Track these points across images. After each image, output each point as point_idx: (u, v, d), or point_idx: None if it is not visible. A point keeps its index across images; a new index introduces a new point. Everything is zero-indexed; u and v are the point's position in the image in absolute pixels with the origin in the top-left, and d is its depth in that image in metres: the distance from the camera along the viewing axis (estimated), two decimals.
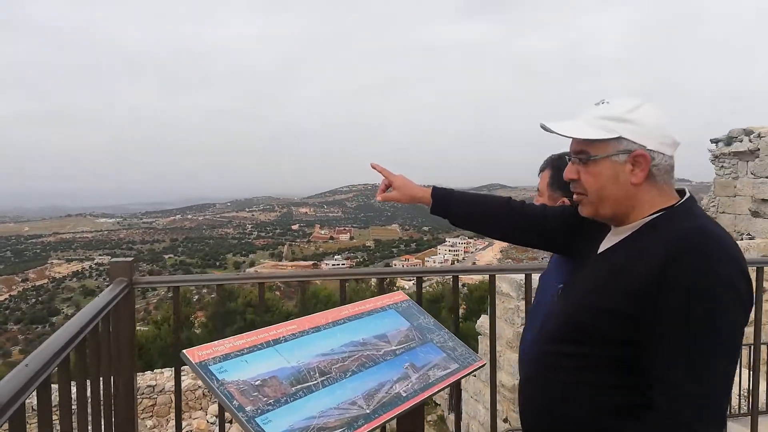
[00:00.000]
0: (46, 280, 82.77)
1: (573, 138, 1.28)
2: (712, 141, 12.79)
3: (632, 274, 1.15)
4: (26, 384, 1.11)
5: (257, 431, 1.26)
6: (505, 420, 7.01)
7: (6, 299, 74.29)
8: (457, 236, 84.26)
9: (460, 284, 2.57)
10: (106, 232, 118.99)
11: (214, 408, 10.44)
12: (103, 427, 1.62)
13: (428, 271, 2.67)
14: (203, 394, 10.46)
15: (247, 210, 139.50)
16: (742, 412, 5.20)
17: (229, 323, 15.73)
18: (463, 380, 1.66)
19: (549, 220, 1.55)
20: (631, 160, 1.21)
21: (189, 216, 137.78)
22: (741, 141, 11.76)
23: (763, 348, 5.82)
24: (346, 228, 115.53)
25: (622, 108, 1.23)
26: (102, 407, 1.66)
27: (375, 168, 1.79)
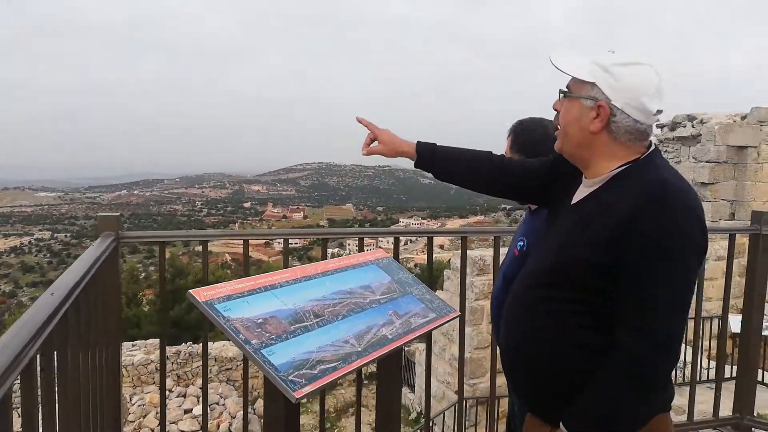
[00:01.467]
0: None
1: (561, 71, 1.32)
2: (657, 126, 13.25)
3: (601, 225, 1.23)
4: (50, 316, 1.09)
5: (264, 361, 1.41)
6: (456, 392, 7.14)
7: None
8: (411, 217, 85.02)
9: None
10: (46, 207, 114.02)
11: (168, 382, 10.24)
12: (91, 397, 1.53)
13: (407, 231, 2.87)
14: (155, 368, 10.23)
15: (197, 186, 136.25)
16: (683, 382, 5.49)
17: (178, 301, 15.40)
18: (417, 354, 1.76)
19: (527, 174, 1.63)
20: (595, 108, 1.27)
21: (135, 191, 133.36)
22: (684, 126, 12.22)
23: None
24: (300, 206, 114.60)
25: (615, 60, 1.26)
26: (90, 376, 1.55)
27: (361, 122, 1.80)
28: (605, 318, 1.23)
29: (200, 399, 9.74)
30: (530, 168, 1.63)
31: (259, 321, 1.53)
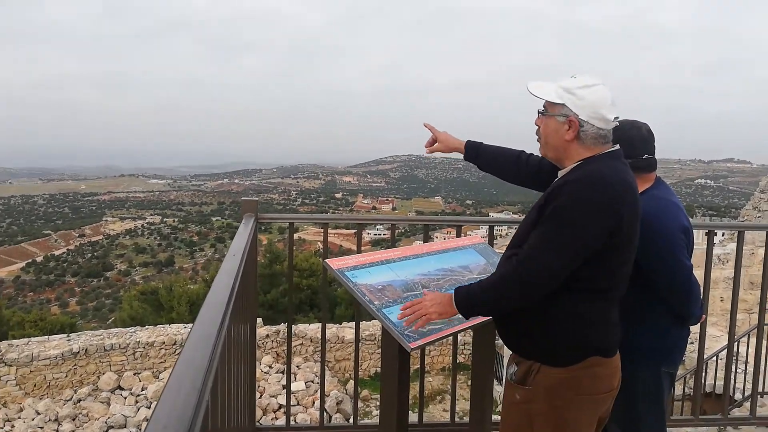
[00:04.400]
0: (101, 237, 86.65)
1: (536, 96, 1.72)
2: None
3: (545, 197, 1.64)
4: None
5: (385, 318, 1.73)
6: None
7: (64, 253, 78.34)
8: (501, 211, 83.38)
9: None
10: (157, 193, 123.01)
11: (267, 359, 10.97)
12: (242, 366, 1.81)
13: (501, 221, 3.14)
14: (258, 345, 11.01)
15: (292, 177, 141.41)
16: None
17: (275, 285, 16.31)
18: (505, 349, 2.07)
19: (541, 168, 2.01)
20: (567, 122, 1.65)
21: (236, 180, 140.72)
22: None
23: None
24: (389, 198, 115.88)
25: (576, 84, 1.64)
26: (242, 345, 1.81)
27: (426, 126, 2.22)
28: None
29: (297, 376, 10.39)
30: (544, 164, 1.98)
31: (379, 287, 1.87)
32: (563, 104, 1.64)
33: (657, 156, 2.11)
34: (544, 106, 1.72)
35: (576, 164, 1.67)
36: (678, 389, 5.59)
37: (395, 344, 1.70)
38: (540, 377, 1.63)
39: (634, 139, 2.06)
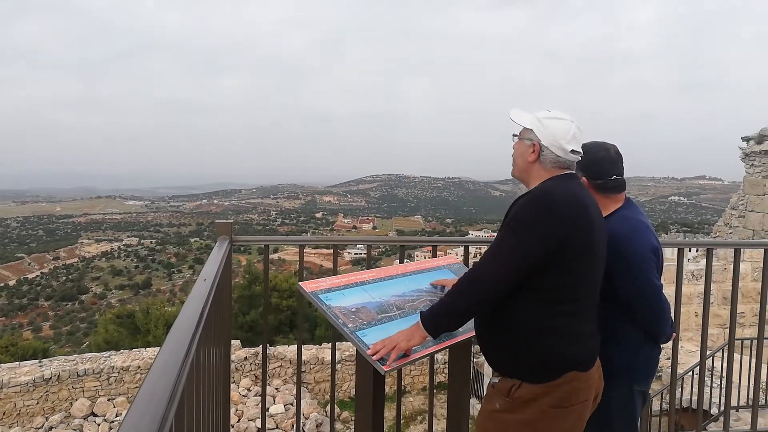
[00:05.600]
0: (76, 259, 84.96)
1: (514, 122, 1.90)
2: (743, 139, 12.66)
3: (506, 214, 1.79)
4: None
5: (358, 341, 1.74)
6: None
7: (38, 276, 76.52)
8: (481, 229, 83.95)
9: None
10: (134, 215, 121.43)
11: (245, 381, 10.78)
12: (215, 389, 1.75)
13: (477, 241, 3.10)
14: (236, 368, 10.81)
15: (272, 197, 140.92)
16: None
17: (255, 305, 16.11)
18: (486, 366, 2.05)
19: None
20: (531, 146, 1.83)
21: (215, 201, 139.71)
22: None
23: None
24: (369, 218, 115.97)
25: (546, 115, 1.84)
26: (214, 369, 1.76)
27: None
28: None
29: (276, 398, 10.23)
30: None
31: (353, 309, 1.87)
32: (531, 130, 1.83)
33: (631, 174, 2.17)
34: (520, 132, 1.90)
35: (538, 184, 1.82)
36: (655, 405, 5.63)
37: (369, 367, 1.69)
38: (521, 391, 1.72)
39: (602, 161, 2.11)
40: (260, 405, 10.26)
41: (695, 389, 5.74)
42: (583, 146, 2.19)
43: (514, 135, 1.93)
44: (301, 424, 9.98)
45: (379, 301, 1.97)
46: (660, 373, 7.25)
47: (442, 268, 2.40)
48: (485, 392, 1.91)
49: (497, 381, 1.80)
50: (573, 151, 1.80)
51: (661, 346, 2.19)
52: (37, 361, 11.08)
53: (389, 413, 8.99)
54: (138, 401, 0.85)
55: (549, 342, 1.70)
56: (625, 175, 2.16)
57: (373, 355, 1.71)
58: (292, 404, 10.10)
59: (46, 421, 9.71)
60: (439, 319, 1.77)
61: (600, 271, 1.81)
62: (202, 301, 1.38)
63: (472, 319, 1.92)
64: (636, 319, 2.03)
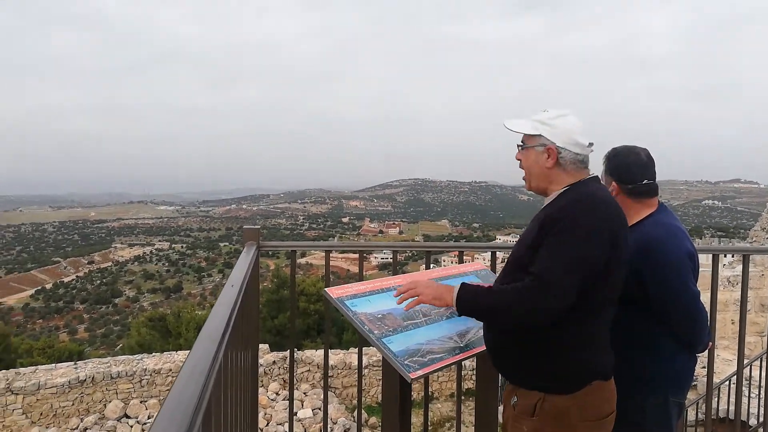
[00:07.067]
0: (110, 263, 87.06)
1: (513, 131, 1.80)
2: None
3: (539, 221, 1.67)
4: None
5: (384, 347, 1.71)
6: None
7: (73, 280, 78.61)
8: (508, 234, 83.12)
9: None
10: (165, 219, 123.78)
11: (274, 386, 10.86)
12: (242, 393, 1.77)
13: (504, 246, 3.01)
14: (264, 372, 10.91)
15: (299, 202, 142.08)
16: None
17: (283, 310, 16.23)
18: None
19: None
20: (545, 151, 1.71)
21: (244, 206, 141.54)
22: None
23: None
24: (396, 222, 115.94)
25: (549, 116, 1.73)
26: (242, 374, 1.79)
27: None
28: None
29: (304, 403, 10.28)
30: None
31: (379, 316, 1.85)
32: (540, 135, 1.72)
33: (663, 178, 2.12)
34: (522, 141, 1.79)
35: (563, 190, 1.72)
36: (691, 415, 5.47)
37: (396, 374, 1.67)
38: (547, 406, 1.62)
39: (633, 165, 2.06)
40: (288, 409, 10.33)
41: (732, 399, 5.57)
42: (614, 150, 2.16)
43: (519, 145, 1.80)
44: (329, 429, 10.01)
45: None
46: (695, 383, 7.05)
47: (468, 274, 2.37)
48: (503, 413, 1.84)
49: (515, 401, 1.70)
50: (591, 144, 1.71)
51: (696, 355, 2.12)
52: (72, 363, 11.37)
53: (417, 419, 8.94)
54: (166, 406, 0.86)
55: (571, 350, 1.62)
56: (656, 179, 2.11)
57: (401, 355, 1.70)
58: (320, 409, 10.12)
59: (81, 422, 9.94)
60: (477, 307, 1.67)
61: (622, 278, 1.71)
62: (230, 307, 1.39)
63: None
64: (670, 328, 1.96)
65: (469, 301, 1.67)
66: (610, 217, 1.62)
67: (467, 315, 1.72)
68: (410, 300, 1.78)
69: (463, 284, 1.72)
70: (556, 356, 1.62)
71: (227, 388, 1.32)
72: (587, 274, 1.55)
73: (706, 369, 2.80)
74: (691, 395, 6.79)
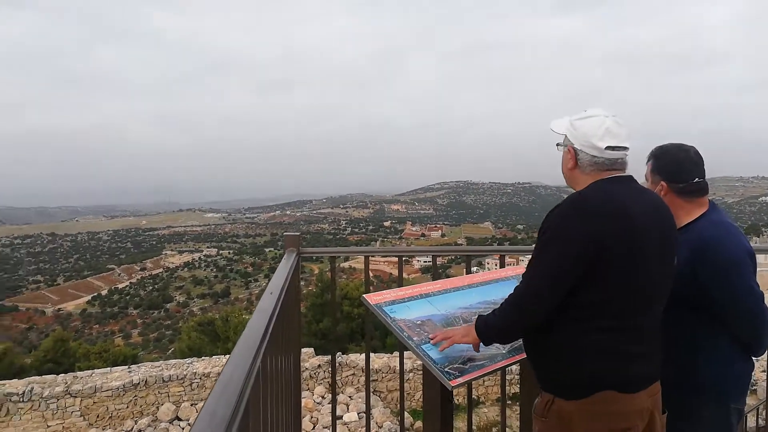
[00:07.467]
0: (161, 270, 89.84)
1: (553, 131, 1.81)
2: None
3: (541, 228, 1.65)
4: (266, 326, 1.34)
5: (424, 354, 1.69)
6: None
7: (127, 286, 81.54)
8: None
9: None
10: (213, 226, 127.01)
11: (320, 389, 10.96)
12: (284, 396, 1.78)
13: (509, 249, 2.92)
14: (310, 376, 11.02)
15: (341, 207, 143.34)
16: None
17: (327, 313, 16.37)
18: None
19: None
20: (568, 152, 1.74)
21: (288, 212, 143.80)
22: None
23: None
24: (438, 225, 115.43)
25: (577, 117, 1.73)
26: (283, 378, 1.80)
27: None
28: None
29: (349, 407, 10.33)
30: None
31: (418, 322, 1.83)
32: (564, 135, 1.75)
33: (717, 174, 2.04)
34: (562, 140, 1.81)
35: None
36: (750, 421, 5.22)
37: (436, 381, 1.65)
38: (555, 409, 1.63)
39: (682, 163, 1.99)
40: (335, 413, 10.41)
41: None
42: (662, 148, 2.08)
43: (558, 144, 1.81)
44: None
45: (445, 314, 1.92)
46: (755, 387, 6.73)
47: (510, 278, 2.32)
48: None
49: (537, 401, 1.71)
50: (610, 148, 1.64)
51: (756, 359, 2.02)
52: (126, 366, 11.78)
53: (462, 423, 8.85)
54: (203, 414, 0.87)
55: (583, 359, 1.57)
56: (709, 176, 2.02)
57: (441, 362, 1.68)
58: (365, 412, 10.14)
59: (135, 424, 10.27)
60: (490, 333, 1.71)
61: (658, 282, 1.62)
62: (268, 314, 1.40)
63: None
64: (729, 331, 1.87)
65: (483, 330, 1.71)
66: (588, 216, 1.54)
67: (491, 342, 1.75)
68: (444, 342, 1.79)
69: (479, 317, 1.75)
70: (565, 364, 1.61)
71: (267, 393, 1.33)
72: (560, 278, 1.53)
73: (766, 373, 2.66)
74: (751, 401, 6.47)
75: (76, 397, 10.34)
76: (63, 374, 11.21)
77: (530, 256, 1.65)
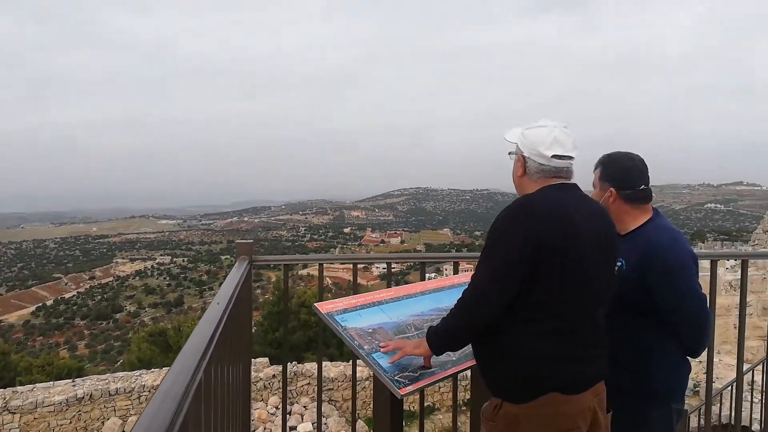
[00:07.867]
0: (111, 279, 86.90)
1: (506, 140, 1.87)
2: None
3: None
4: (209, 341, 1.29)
5: (374, 363, 1.68)
6: None
7: (74, 296, 78.43)
8: None
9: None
10: (167, 233, 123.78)
11: (274, 399, 10.77)
12: (231, 408, 1.73)
13: (463, 256, 2.93)
14: (264, 386, 10.82)
15: (300, 213, 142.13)
16: None
17: (284, 323, 16.14)
18: None
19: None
20: (518, 160, 1.79)
21: (245, 218, 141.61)
22: None
23: None
24: (397, 231, 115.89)
25: (527, 126, 1.79)
26: (231, 390, 1.75)
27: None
28: None
29: (304, 417, 10.19)
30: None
31: (369, 330, 1.81)
32: (516, 144, 1.80)
33: (665, 181, 2.10)
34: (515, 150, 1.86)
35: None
36: (693, 421, 5.41)
37: (386, 390, 1.64)
38: (502, 413, 1.65)
39: (630, 170, 2.06)
40: (289, 423, 10.25)
41: (734, 405, 5.52)
42: (608, 156, 2.15)
43: (510, 153, 1.87)
44: None
45: (397, 322, 1.91)
46: (698, 388, 6.98)
47: (463, 285, 2.33)
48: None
49: (485, 405, 1.72)
50: (556, 156, 1.70)
51: (695, 360, 2.09)
52: (70, 380, 11.29)
53: (416, 430, 8.83)
54: (137, 429, 0.83)
55: (527, 362, 1.60)
56: (657, 183, 2.09)
57: (391, 371, 1.67)
58: (317, 422, 10.04)
59: None
60: (441, 341, 1.72)
61: (600, 286, 1.67)
62: (213, 325, 1.36)
63: None
64: (676, 335, 1.93)
65: (434, 339, 1.72)
66: (535, 220, 1.58)
67: (443, 351, 1.76)
68: (395, 353, 1.79)
69: (429, 327, 1.76)
70: (511, 367, 1.63)
71: (209, 406, 1.28)
72: (506, 280, 1.57)
73: (706, 375, 2.77)
74: (694, 401, 6.72)
75: (14, 413, 9.84)
76: (2, 389, 10.66)
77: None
